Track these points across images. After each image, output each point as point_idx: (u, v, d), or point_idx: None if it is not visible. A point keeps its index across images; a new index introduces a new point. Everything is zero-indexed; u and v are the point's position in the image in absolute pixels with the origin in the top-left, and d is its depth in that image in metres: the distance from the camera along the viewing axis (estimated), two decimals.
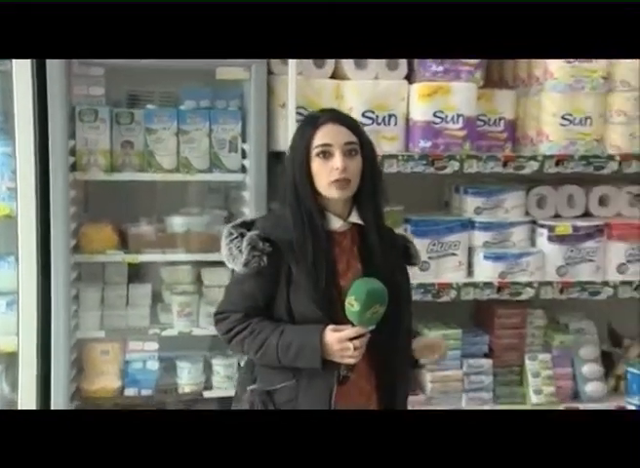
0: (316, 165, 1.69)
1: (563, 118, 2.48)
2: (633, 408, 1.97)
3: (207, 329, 2.37)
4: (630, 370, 2.01)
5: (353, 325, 1.62)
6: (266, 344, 1.70)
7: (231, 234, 1.72)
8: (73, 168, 2.23)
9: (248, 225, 1.76)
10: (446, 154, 2.46)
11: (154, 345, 2.38)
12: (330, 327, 1.65)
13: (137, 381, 2.36)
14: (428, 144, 2.49)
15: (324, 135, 1.70)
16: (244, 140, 2.40)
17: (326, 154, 1.69)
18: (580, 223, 2.50)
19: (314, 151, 1.69)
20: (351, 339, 1.63)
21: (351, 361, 1.66)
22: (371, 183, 1.76)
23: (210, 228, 2.41)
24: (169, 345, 2.45)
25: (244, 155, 2.41)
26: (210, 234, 2.38)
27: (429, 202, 2.64)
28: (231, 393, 2.27)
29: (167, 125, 2.33)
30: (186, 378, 2.38)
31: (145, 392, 2.35)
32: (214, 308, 2.29)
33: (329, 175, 1.68)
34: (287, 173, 1.79)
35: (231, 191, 2.64)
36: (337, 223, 1.75)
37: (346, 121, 1.77)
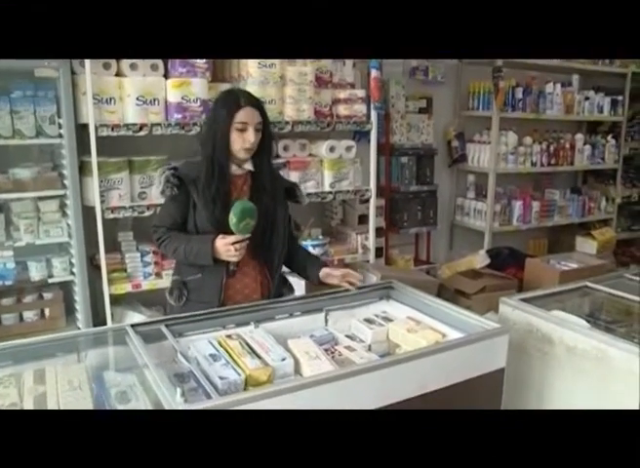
0: (235, 135, 2.02)
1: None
2: None
3: (44, 240, 3.12)
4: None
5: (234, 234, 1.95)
6: (178, 248, 2.04)
7: (163, 173, 2.06)
8: None
9: (176, 168, 2.08)
10: (191, 122, 3.16)
11: (10, 253, 3.06)
12: (220, 236, 1.96)
13: (1, 276, 3.07)
14: (180, 116, 3.19)
15: (244, 115, 2.01)
16: (59, 117, 3.00)
17: (243, 129, 2.01)
18: (274, 161, 3.13)
19: (235, 125, 2.01)
20: (233, 244, 1.93)
21: (234, 259, 1.96)
22: (266, 146, 2.12)
23: (41, 175, 3.07)
24: (21, 253, 3.11)
25: (60, 126, 3.01)
26: (42, 178, 3.06)
27: (184, 152, 2.89)
28: (66, 279, 3.20)
29: (2, 107, 2.95)
30: (35, 272, 3.14)
31: (8, 282, 3.08)
32: (49, 227, 3.18)
33: (243, 143, 2.02)
34: (208, 134, 2.06)
35: (54, 150, 3.16)
36: (235, 169, 2.09)
37: (259, 106, 2.06)
